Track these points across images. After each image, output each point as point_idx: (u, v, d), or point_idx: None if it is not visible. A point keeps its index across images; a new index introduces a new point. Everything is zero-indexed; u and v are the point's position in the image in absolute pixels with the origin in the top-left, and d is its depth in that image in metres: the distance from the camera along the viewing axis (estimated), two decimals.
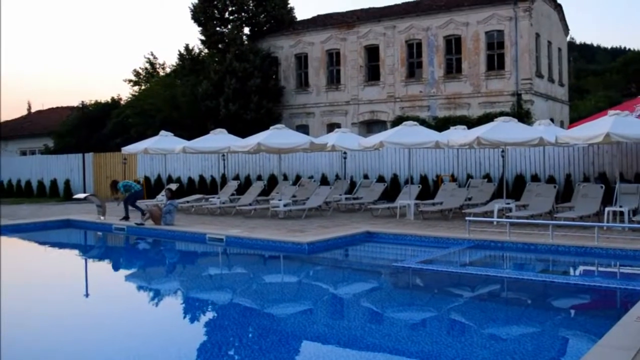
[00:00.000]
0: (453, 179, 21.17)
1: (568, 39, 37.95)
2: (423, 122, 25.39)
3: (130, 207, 17.43)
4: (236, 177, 25.57)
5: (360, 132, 29.90)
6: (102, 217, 18.02)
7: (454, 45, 30.13)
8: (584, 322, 8.16)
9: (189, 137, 23.17)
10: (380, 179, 22.27)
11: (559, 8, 33.44)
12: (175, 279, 12.01)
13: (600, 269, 11.27)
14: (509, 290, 10.05)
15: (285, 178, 24.01)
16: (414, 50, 31.16)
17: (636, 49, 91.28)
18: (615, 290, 9.50)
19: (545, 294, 9.63)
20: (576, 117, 33.55)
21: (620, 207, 13.69)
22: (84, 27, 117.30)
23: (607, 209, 14.00)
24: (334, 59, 33.70)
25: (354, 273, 12.23)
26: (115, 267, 14.02)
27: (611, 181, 17.19)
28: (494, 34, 29.08)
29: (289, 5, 36.99)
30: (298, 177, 24.07)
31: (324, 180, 23.60)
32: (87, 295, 10.28)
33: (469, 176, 21.18)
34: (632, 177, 18.19)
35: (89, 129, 35.28)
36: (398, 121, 26.06)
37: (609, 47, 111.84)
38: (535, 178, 19.97)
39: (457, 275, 10.89)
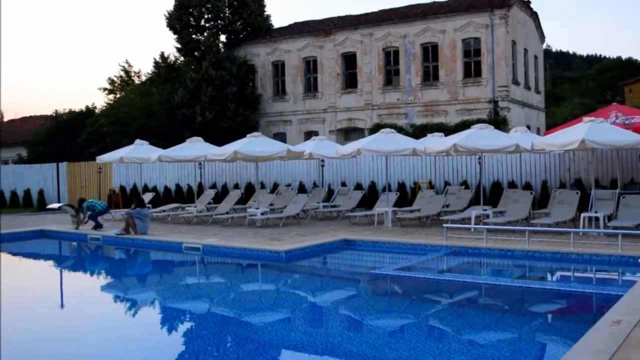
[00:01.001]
0: (431, 186, 21.25)
1: (544, 46, 38.50)
2: (401, 130, 25.49)
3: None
4: (213, 186, 25.38)
5: (338, 140, 29.94)
6: (77, 227, 17.76)
7: (430, 52, 30.36)
8: (560, 326, 8.19)
9: (165, 146, 22.97)
10: (358, 187, 22.26)
11: (535, 16, 33.91)
12: (152, 288, 11.84)
13: (576, 274, 11.35)
14: (487, 296, 10.07)
15: (263, 186, 23.90)
16: (391, 58, 31.33)
17: (611, 57, 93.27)
18: (591, 295, 9.58)
19: (522, 299, 9.68)
20: (552, 124, 33.98)
21: (596, 212, 13.82)
22: (58, 34, 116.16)
23: (582, 214, 14.13)
24: (311, 66, 33.75)
25: (332, 281, 12.18)
26: (91, 278, 13.80)
27: (587, 187, 17.38)
28: (470, 42, 29.36)
29: (265, 13, 37.06)
30: (275, 185, 23.97)
31: (302, 188, 23.54)
32: (62, 306, 10.10)
33: (447, 183, 21.27)
34: (608, 184, 18.40)
35: (63, 138, 34.85)
36: (376, 129, 26.12)
37: (585, 54, 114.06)
38: (512, 184, 20.12)
39: (434, 282, 10.88)
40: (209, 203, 21.66)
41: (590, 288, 10.16)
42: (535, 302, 9.51)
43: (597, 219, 13.71)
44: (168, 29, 35.36)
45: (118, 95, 40.82)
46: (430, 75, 30.51)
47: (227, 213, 19.78)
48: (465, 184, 20.79)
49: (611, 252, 11.10)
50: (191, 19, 35.25)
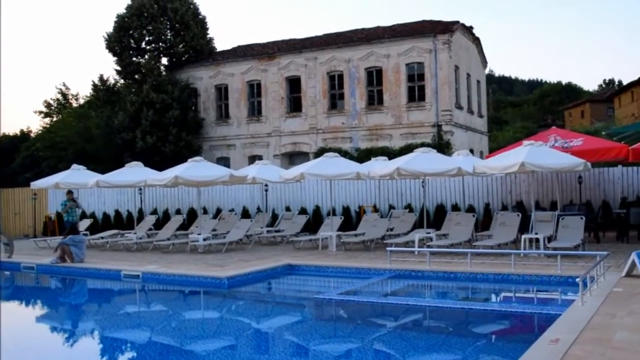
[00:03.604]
0: (375, 209, 21.29)
1: (487, 71, 39.59)
2: (345, 154, 25.61)
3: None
4: (154, 212, 24.77)
5: (283, 164, 29.80)
6: (9, 256, 16.97)
7: (375, 76, 30.74)
8: (501, 346, 8.23)
9: (104, 171, 22.37)
10: (302, 211, 22.12)
11: (477, 41, 34.85)
12: (89, 318, 11.41)
13: (517, 294, 11.48)
14: (431, 318, 10.04)
15: (205, 211, 23.49)
16: (335, 82, 31.57)
17: (552, 82, 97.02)
18: (531, 315, 9.67)
19: (466, 320, 9.70)
20: (495, 148, 34.83)
21: (536, 234, 14.07)
22: None
23: (523, 236, 14.36)
24: (254, 90, 33.65)
25: (275, 306, 11.98)
26: (25, 308, 13.13)
27: (528, 209, 17.73)
28: (414, 66, 29.88)
29: (208, 36, 36.84)
30: (218, 211, 23.57)
31: (245, 213, 23.23)
32: None
33: (391, 207, 21.37)
34: (548, 205, 18.85)
35: None
36: (320, 153, 26.14)
37: (527, 79, 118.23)
38: (455, 207, 20.37)
39: (378, 305, 10.82)
40: (150, 229, 21.12)
41: (530, 308, 10.27)
42: (478, 323, 9.56)
43: (537, 240, 13.96)
44: (107, 51, 34.69)
45: (55, 119, 39.64)
46: (374, 100, 30.85)
47: (169, 239, 19.31)
48: (409, 207, 20.94)
49: (550, 272, 11.27)
50: (131, 41, 34.71)
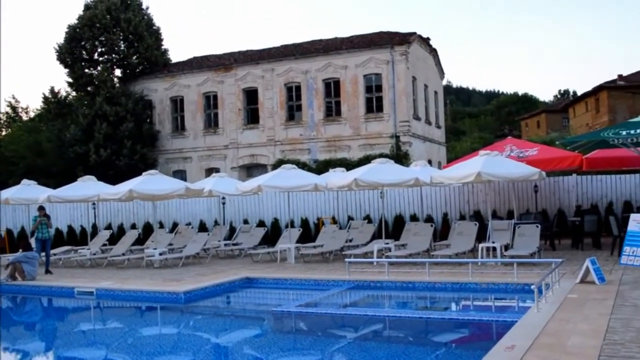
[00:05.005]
0: (334, 221, 21.25)
1: (444, 82, 40.16)
2: (304, 165, 25.53)
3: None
4: (108, 227, 24.19)
5: (240, 177, 29.56)
6: None
7: (333, 88, 30.82)
8: (459, 354, 8.29)
9: (56, 186, 21.83)
10: (261, 224, 21.93)
11: (434, 53, 35.27)
12: (42, 338, 11.12)
13: (475, 303, 11.57)
14: (390, 328, 10.03)
15: (162, 226, 23.06)
16: (293, 93, 31.53)
17: (508, 92, 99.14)
18: (489, 322, 9.75)
19: (425, 330, 9.74)
20: (453, 158, 35.23)
21: (493, 243, 14.24)
22: None
23: (480, 245, 14.51)
24: (211, 101, 33.35)
25: (234, 320, 11.84)
26: None
27: (485, 218, 17.94)
28: (372, 77, 30.08)
29: (163, 47, 36.35)
30: (175, 225, 23.17)
31: (203, 227, 22.90)
32: None
33: (350, 218, 21.35)
34: (505, 214, 19.13)
35: None
36: (278, 164, 25.96)
37: (484, 90, 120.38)
38: (414, 218, 20.47)
39: (338, 316, 10.78)
40: (104, 245, 20.62)
41: (487, 316, 10.37)
42: (437, 332, 9.61)
43: (494, 248, 14.12)
44: (58, 62, 33.92)
45: (4, 133, 38.55)
46: (332, 111, 30.93)
47: (123, 254, 18.86)
48: (368, 218, 20.95)
49: (507, 280, 11.39)
50: (83, 52, 34.03)
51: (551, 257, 12.22)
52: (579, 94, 63.40)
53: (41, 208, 17.51)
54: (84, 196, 18.63)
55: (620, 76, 50.61)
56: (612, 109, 48.09)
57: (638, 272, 11.37)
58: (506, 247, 14.32)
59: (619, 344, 6.40)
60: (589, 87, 56.73)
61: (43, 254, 16.73)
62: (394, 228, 20.10)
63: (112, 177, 24.36)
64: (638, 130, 13.36)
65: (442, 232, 19.45)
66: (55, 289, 14.20)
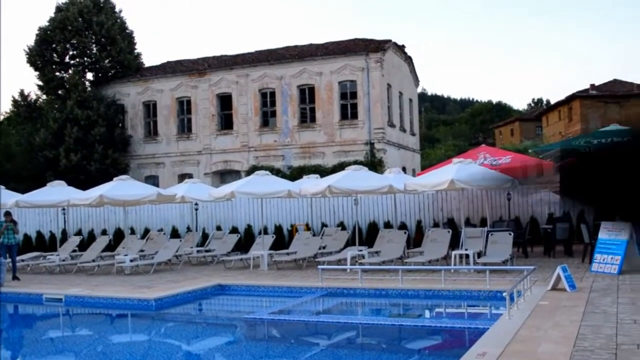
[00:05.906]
0: (308, 228, 21.19)
1: (419, 90, 40.37)
2: (278, 172, 25.42)
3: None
4: (78, 233, 23.80)
5: (214, 183, 29.30)
6: None
7: (307, 94, 30.73)
8: None
9: (25, 190, 21.31)
10: (234, 230, 21.75)
11: (409, 60, 35.44)
12: (9, 346, 10.77)
13: (448, 310, 11.62)
14: (363, 336, 10.01)
15: (133, 232, 22.72)
16: (267, 99, 31.39)
17: (483, 100, 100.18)
18: (461, 329, 9.78)
19: (398, 337, 9.74)
20: (427, 165, 35.42)
21: (466, 250, 14.32)
22: None
23: (453, 252, 14.59)
24: (184, 107, 33.04)
25: (206, 328, 11.73)
26: None
27: (458, 226, 18.05)
28: (347, 84, 30.09)
29: (136, 51, 35.92)
30: (147, 231, 22.87)
31: (175, 233, 22.64)
32: None
33: (324, 225, 21.30)
34: (478, 222, 19.24)
35: None
36: (252, 171, 25.83)
37: (459, 98, 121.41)
38: (388, 225, 20.47)
39: (309, 323, 10.76)
40: (74, 251, 20.29)
41: (460, 323, 10.41)
42: (410, 339, 9.60)
43: (467, 256, 14.20)
44: (28, 64, 33.30)
45: None
46: (307, 117, 30.87)
47: (94, 261, 18.57)
48: (342, 225, 20.92)
49: (480, 287, 11.46)
50: (54, 55, 33.43)
51: (523, 265, 12.32)
52: (552, 102, 64.33)
53: (7, 213, 17.15)
54: (54, 201, 18.32)
55: (592, 85, 51.62)
56: (584, 118, 48.96)
57: (609, 280, 11.55)
58: (479, 255, 14.43)
59: (588, 351, 6.47)
60: (562, 96, 57.57)
61: (9, 260, 16.40)
62: (367, 235, 20.10)
63: (83, 182, 23.93)
64: (609, 139, 13.59)
65: (415, 239, 19.50)
66: (22, 295, 13.96)
